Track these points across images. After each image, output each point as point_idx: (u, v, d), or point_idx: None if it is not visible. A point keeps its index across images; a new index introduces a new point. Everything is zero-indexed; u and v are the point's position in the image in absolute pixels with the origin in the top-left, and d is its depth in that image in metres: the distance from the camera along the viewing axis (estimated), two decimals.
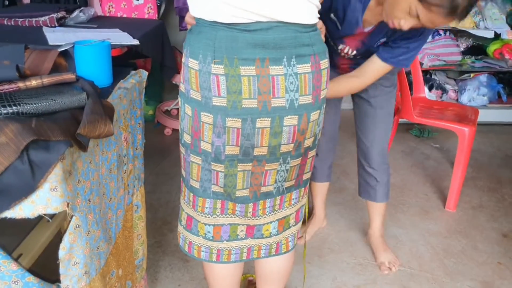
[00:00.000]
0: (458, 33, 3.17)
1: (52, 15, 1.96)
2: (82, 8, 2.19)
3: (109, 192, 0.88)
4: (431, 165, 2.60)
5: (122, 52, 1.58)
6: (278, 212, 0.99)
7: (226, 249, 0.99)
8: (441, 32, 3.10)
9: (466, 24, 2.97)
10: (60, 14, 2.01)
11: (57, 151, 0.63)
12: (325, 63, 0.86)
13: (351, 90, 1.36)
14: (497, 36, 3.04)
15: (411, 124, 3.04)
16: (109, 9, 2.74)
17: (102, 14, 2.62)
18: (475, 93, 3.20)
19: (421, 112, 2.23)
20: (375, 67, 1.26)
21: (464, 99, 3.19)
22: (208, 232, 0.97)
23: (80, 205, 0.73)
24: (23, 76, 0.82)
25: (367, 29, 1.24)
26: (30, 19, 1.91)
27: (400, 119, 2.34)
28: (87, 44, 0.94)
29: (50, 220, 0.69)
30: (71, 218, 0.71)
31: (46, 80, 0.82)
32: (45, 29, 1.81)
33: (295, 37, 0.78)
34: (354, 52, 1.34)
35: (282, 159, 0.89)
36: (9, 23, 1.88)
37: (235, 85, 0.77)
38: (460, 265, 1.67)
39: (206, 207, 0.94)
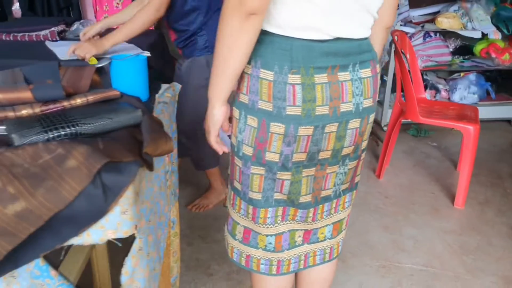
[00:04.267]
0: (446, 34, 3.26)
1: (52, 28, 1.91)
2: (82, 20, 2.14)
3: (159, 210, 0.85)
4: (433, 164, 2.65)
5: None
6: (334, 215, 1.00)
7: (287, 259, 0.99)
8: (432, 34, 3.18)
9: (454, 25, 3.06)
10: (60, 28, 1.96)
11: (129, 173, 0.60)
12: (378, 67, 0.89)
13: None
14: (483, 36, 3.14)
15: (408, 124, 3.09)
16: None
17: None
18: (466, 91, 3.29)
19: (423, 113, 2.27)
20: None
21: (456, 97, 3.27)
22: (270, 243, 0.96)
23: (143, 226, 0.70)
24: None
25: None
26: (30, 34, 1.85)
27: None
28: (124, 59, 0.91)
29: (120, 245, 0.66)
30: (133, 241, 0.68)
31: (91, 98, 0.79)
32: (48, 43, 1.75)
33: (360, 44, 0.83)
34: None
35: (342, 161, 0.91)
36: (7, 38, 1.82)
37: (310, 93, 0.79)
38: (479, 262, 1.70)
39: (268, 217, 0.92)
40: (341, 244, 1.07)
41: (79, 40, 1.78)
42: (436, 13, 3.17)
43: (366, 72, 0.84)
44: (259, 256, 0.97)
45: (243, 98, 0.85)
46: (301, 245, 1.00)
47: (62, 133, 0.63)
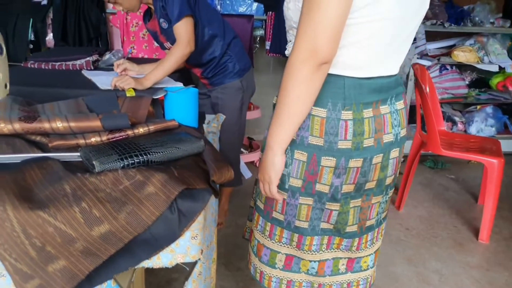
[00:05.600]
0: (462, 67, 3.33)
1: (87, 58, 2.00)
2: (113, 51, 2.24)
3: (211, 236, 0.87)
4: (452, 197, 2.64)
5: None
6: (375, 244, 1.03)
7: (328, 284, 1.01)
8: (448, 66, 3.25)
9: (471, 59, 3.14)
10: (94, 57, 2.05)
11: (202, 199, 0.63)
12: (407, 99, 0.96)
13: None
14: (500, 69, 3.20)
15: (424, 156, 3.11)
16: (130, 49, 2.81)
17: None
18: (483, 124, 3.31)
19: (445, 145, 2.30)
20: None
21: (473, 130, 3.29)
22: (313, 268, 0.98)
23: (204, 251, 0.73)
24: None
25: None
26: (66, 63, 1.94)
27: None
28: (177, 91, 0.96)
29: (188, 269, 0.69)
30: (194, 265, 0.71)
31: (152, 128, 0.84)
32: (84, 72, 1.83)
33: (396, 79, 0.89)
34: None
35: (385, 191, 0.94)
36: (46, 67, 1.91)
37: (360, 127, 0.83)
38: None
39: (314, 245, 0.95)
40: (375, 270, 1.10)
41: (111, 69, 1.87)
42: (452, 46, 3.26)
43: (400, 104, 0.90)
44: (301, 279, 0.99)
45: None
46: (345, 273, 1.02)
47: (136, 160, 0.68)
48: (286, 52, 0.89)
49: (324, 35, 0.71)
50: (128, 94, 1.29)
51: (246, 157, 2.79)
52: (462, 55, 3.12)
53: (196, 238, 0.65)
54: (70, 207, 0.59)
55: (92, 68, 1.97)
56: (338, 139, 0.83)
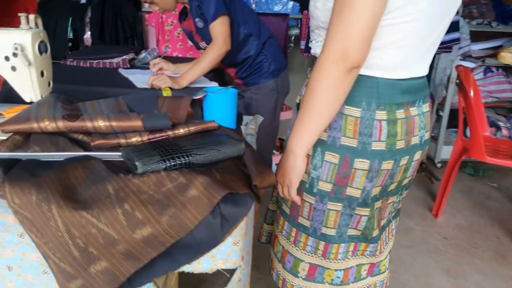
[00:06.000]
0: (509, 69, 3.15)
1: (124, 56, 2.03)
2: (149, 49, 2.27)
3: (250, 241, 0.85)
4: (494, 206, 2.51)
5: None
6: (389, 243, 1.01)
7: None
8: (494, 69, 3.09)
9: None
10: (130, 56, 2.08)
11: (245, 205, 0.61)
12: (430, 102, 0.93)
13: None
14: None
15: (464, 162, 2.97)
16: (165, 49, 2.84)
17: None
18: None
19: (489, 152, 2.18)
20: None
21: None
22: (338, 277, 0.96)
23: (245, 257, 0.70)
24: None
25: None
26: (104, 61, 1.98)
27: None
28: (217, 91, 0.95)
29: (229, 276, 0.67)
30: (234, 271, 0.69)
31: (193, 129, 0.82)
32: (121, 70, 1.86)
33: (424, 81, 0.87)
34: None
35: (401, 191, 0.94)
36: (84, 65, 1.95)
37: (393, 128, 0.81)
38: None
39: (340, 253, 0.92)
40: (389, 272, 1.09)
41: (147, 68, 1.89)
42: (498, 47, 3.08)
43: (426, 107, 0.88)
44: None
45: (321, 135, 0.83)
46: (365, 278, 1.00)
47: (178, 162, 0.66)
48: (312, 51, 0.87)
49: (356, 38, 0.68)
50: (164, 94, 1.28)
51: (277, 158, 2.76)
52: (510, 57, 2.95)
53: (237, 244, 0.62)
54: (113, 208, 0.58)
55: (129, 66, 2.00)
56: (372, 140, 0.80)
